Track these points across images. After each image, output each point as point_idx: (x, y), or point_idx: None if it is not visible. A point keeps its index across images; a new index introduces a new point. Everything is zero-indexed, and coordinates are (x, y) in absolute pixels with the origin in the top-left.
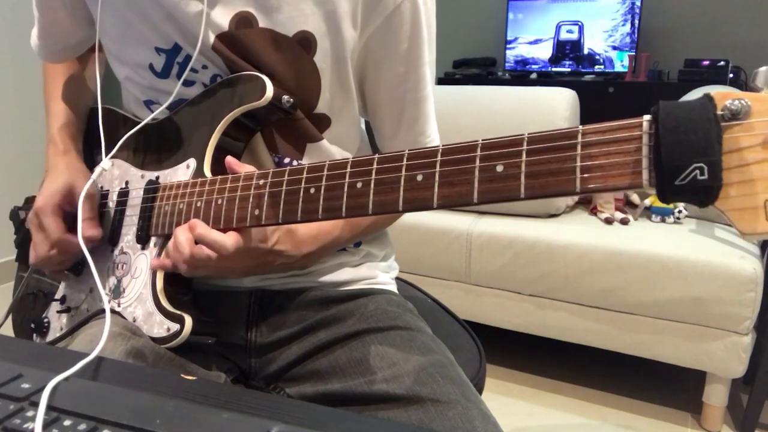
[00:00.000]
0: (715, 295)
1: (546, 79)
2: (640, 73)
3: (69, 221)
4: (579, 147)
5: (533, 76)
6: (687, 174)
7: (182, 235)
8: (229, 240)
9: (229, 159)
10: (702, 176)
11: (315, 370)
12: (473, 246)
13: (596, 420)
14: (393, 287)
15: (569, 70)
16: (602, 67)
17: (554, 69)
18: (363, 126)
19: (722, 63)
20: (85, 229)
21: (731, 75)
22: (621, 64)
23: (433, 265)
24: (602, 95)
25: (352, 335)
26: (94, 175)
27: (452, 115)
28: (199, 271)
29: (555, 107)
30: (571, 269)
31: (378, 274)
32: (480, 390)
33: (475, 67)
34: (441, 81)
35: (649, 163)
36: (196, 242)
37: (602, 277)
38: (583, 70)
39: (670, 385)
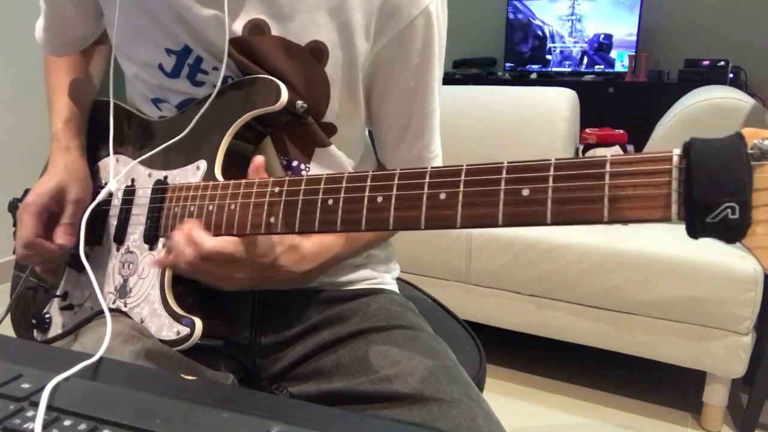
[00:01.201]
0: (715, 295)
1: (546, 79)
2: (640, 73)
3: (53, 222)
4: (607, 176)
5: (533, 76)
6: (719, 213)
7: (178, 236)
8: (227, 244)
9: (257, 160)
10: (733, 215)
11: (318, 369)
12: (473, 246)
13: (596, 420)
14: (394, 287)
15: (569, 70)
16: (602, 67)
17: (554, 69)
18: (367, 134)
19: (722, 63)
20: (58, 235)
21: (731, 75)
22: (621, 64)
23: (433, 265)
24: (602, 95)
25: (355, 334)
26: (99, 197)
27: (452, 115)
28: (200, 276)
29: (555, 107)
30: (571, 269)
31: (380, 274)
32: (480, 390)
33: (475, 67)
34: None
35: (678, 197)
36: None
37: (602, 277)
38: (583, 70)
39: (670, 385)
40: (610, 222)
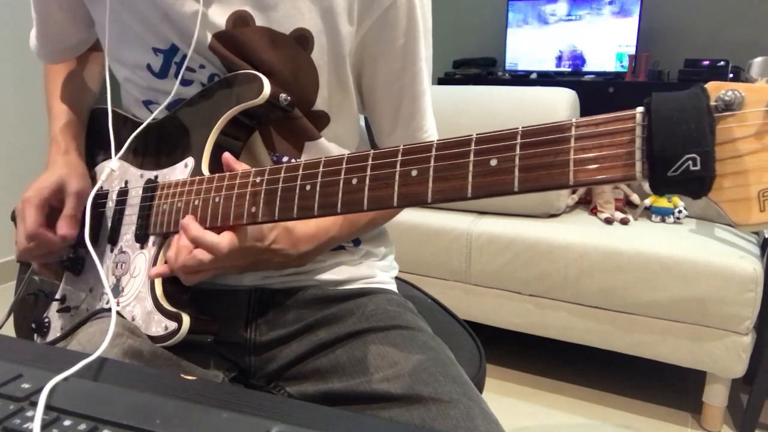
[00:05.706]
0: (715, 295)
1: (546, 79)
2: (640, 73)
3: (54, 216)
4: (572, 140)
5: (533, 76)
6: (680, 165)
7: (181, 242)
8: (224, 241)
9: (226, 156)
10: (695, 167)
11: (316, 369)
12: (473, 246)
13: (596, 420)
14: (393, 286)
15: (569, 70)
16: (602, 67)
17: (554, 69)
18: (363, 123)
19: (722, 63)
20: (61, 226)
21: (731, 75)
22: (621, 64)
23: (433, 265)
24: (602, 95)
25: (352, 335)
26: (103, 176)
27: (452, 115)
28: (198, 277)
29: (555, 107)
30: (571, 269)
31: (377, 273)
32: (480, 390)
33: (475, 67)
34: (441, 81)
35: (642, 154)
36: (192, 244)
37: (602, 277)
38: (583, 70)
39: (670, 385)
40: (576, 186)
